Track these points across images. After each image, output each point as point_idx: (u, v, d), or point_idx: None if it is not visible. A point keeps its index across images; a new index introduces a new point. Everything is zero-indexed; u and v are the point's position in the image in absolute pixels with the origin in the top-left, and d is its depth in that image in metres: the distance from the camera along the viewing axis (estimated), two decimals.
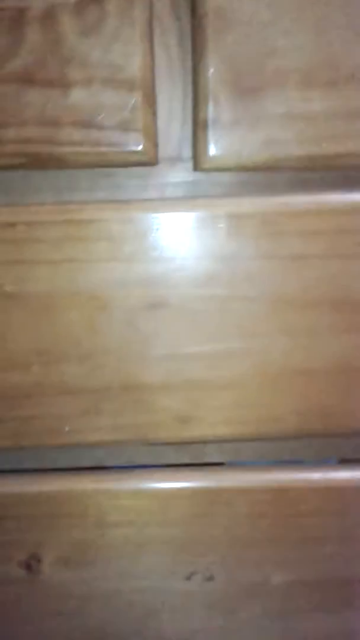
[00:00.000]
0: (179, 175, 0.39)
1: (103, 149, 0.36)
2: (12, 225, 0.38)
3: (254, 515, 0.44)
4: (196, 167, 0.37)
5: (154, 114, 0.36)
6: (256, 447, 0.45)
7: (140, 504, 0.43)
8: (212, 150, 0.37)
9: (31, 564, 0.44)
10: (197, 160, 0.37)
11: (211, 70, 0.35)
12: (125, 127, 0.36)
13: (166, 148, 0.38)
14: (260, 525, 0.44)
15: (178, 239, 0.38)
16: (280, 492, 0.43)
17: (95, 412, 0.41)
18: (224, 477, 0.43)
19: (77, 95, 0.35)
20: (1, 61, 0.35)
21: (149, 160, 0.37)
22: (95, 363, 0.40)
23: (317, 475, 0.43)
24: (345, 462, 0.45)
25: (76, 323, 0.39)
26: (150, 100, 0.36)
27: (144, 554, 0.44)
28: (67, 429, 0.41)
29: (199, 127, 0.36)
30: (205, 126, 0.36)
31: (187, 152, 0.38)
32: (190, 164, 0.38)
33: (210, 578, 0.45)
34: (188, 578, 0.45)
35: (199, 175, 0.39)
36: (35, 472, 0.43)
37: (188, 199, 0.38)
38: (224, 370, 0.40)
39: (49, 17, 0.34)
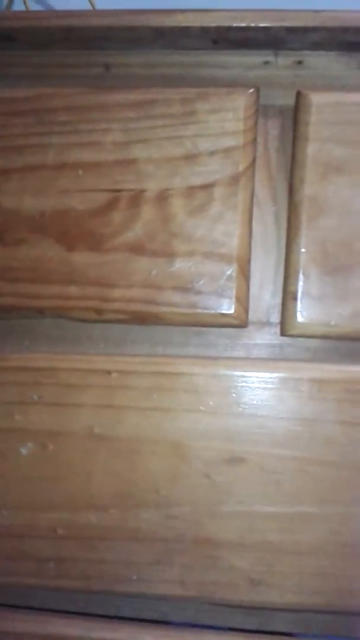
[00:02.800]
0: (266, 338, 0.41)
1: (198, 310, 0.40)
2: (108, 372, 0.41)
3: None
4: (283, 332, 0.40)
5: (247, 282, 0.40)
6: (328, 621, 0.42)
7: None
8: (300, 318, 0.39)
9: None
10: (285, 326, 0.40)
11: (303, 250, 0.39)
12: (220, 293, 0.39)
13: (256, 313, 0.41)
14: None
15: (261, 398, 0.40)
16: None
17: (165, 563, 0.41)
18: None
19: (180, 265, 0.40)
20: (117, 232, 0.40)
21: (240, 323, 0.40)
22: (171, 512, 0.40)
23: None
24: None
25: (157, 470, 0.40)
26: (245, 272, 0.40)
27: None
28: (134, 577, 0.41)
29: (288, 297, 0.39)
30: (294, 297, 0.39)
31: (276, 317, 0.41)
32: (277, 329, 0.41)
33: None
34: None
35: (285, 340, 0.41)
36: (99, 618, 0.43)
37: (273, 360, 0.40)
38: (299, 534, 0.40)
39: (162, 198, 0.40)
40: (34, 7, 0.72)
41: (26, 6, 0.68)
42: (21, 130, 0.40)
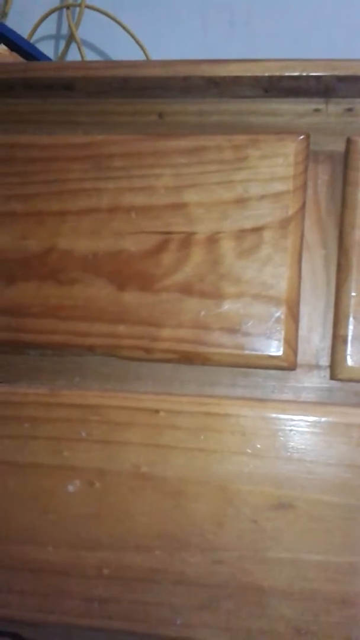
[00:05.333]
0: (315, 381, 0.41)
1: (246, 352, 0.40)
2: (156, 411, 0.41)
3: None
4: (333, 375, 0.39)
5: (296, 325, 0.40)
6: None
7: None
8: (350, 362, 0.39)
9: None
10: (334, 370, 0.39)
11: (353, 294, 0.38)
12: (268, 335, 0.40)
13: (305, 355, 0.41)
14: None
15: (309, 443, 0.39)
16: None
17: (210, 608, 0.40)
18: None
19: (229, 306, 0.40)
20: (168, 273, 0.41)
21: (288, 366, 0.40)
22: (216, 557, 0.40)
23: None
24: None
25: (202, 513, 0.40)
26: (294, 314, 0.40)
27: None
28: (179, 621, 0.40)
29: (338, 341, 0.39)
30: (344, 341, 0.39)
31: (325, 361, 0.40)
32: (327, 372, 0.40)
33: None
34: None
35: (335, 384, 0.40)
36: None
37: (322, 404, 0.40)
38: (347, 585, 0.39)
39: (212, 241, 0.40)
40: (89, 54, 0.75)
41: (81, 55, 0.72)
42: (78, 175, 0.42)
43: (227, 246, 0.40)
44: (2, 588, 0.42)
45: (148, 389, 0.43)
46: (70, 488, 0.42)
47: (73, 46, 0.76)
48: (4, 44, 0.61)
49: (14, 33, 0.62)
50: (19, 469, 0.42)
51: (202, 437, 0.40)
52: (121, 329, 0.42)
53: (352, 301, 0.38)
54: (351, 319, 0.38)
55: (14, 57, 0.62)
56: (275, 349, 0.40)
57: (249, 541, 0.39)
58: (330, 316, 0.40)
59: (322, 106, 0.40)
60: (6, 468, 0.43)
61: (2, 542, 0.42)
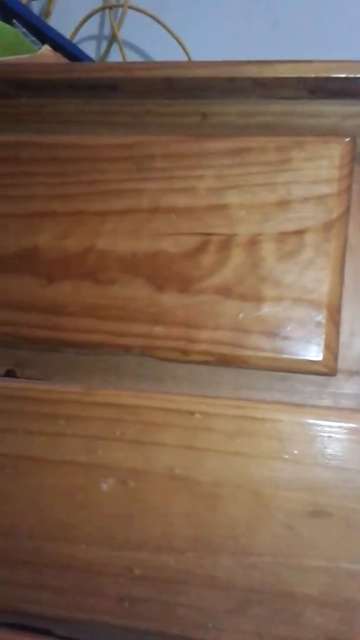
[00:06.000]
0: (355, 387, 0.40)
1: (285, 356, 0.39)
2: (191, 413, 0.41)
3: None
4: None
5: (337, 330, 0.39)
6: None
7: None
8: None
9: None
10: None
11: None
12: (308, 339, 0.39)
13: (345, 361, 0.40)
14: None
15: (348, 450, 0.38)
16: None
17: (241, 613, 0.40)
18: None
19: (268, 309, 0.40)
20: (206, 275, 0.41)
21: (328, 371, 0.39)
22: (249, 562, 0.39)
23: None
24: None
25: (236, 517, 0.40)
26: (335, 319, 0.39)
27: None
28: (210, 624, 0.40)
29: None
30: None
31: None
32: None
33: None
34: None
35: None
36: None
37: None
38: None
39: (253, 243, 0.40)
40: (131, 55, 0.76)
41: (123, 55, 0.72)
42: (120, 175, 0.42)
43: (268, 249, 0.40)
44: (35, 584, 0.43)
45: (184, 390, 0.43)
46: (104, 487, 0.42)
47: (115, 47, 0.76)
48: (48, 44, 0.62)
49: (57, 33, 0.63)
50: (54, 466, 0.43)
51: (237, 440, 0.40)
52: (158, 329, 0.42)
53: None
54: None
55: (57, 57, 0.63)
56: (315, 353, 0.39)
57: (283, 547, 0.39)
58: None
59: None
60: (42, 465, 0.43)
61: (35, 538, 0.43)
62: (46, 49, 0.62)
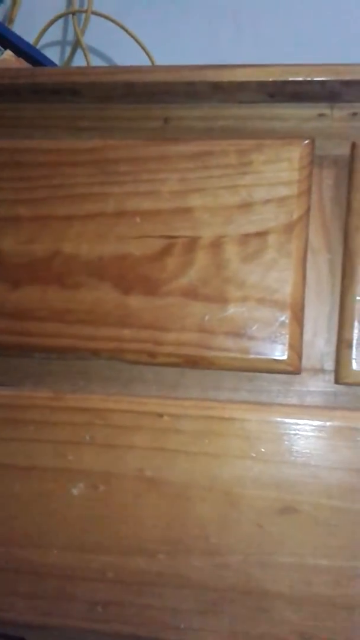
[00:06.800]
0: (320, 385, 0.41)
1: (251, 356, 0.40)
2: (160, 415, 0.41)
3: None
4: (338, 379, 0.39)
5: (301, 329, 0.40)
6: None
7: None
8: (355, 366, 0.39)
9: None
10: (339, 374, 0.39)
11: (358, 298, 0.38)
12: (273, 339, 0.40)
13: (310, 359, 0.41)
14: None
15: (314, 447, 0.39)
16: None
17: (214, 613, 0.40)
18: None
19: (233, 310, 0.40)
20: (172, 278, 0.41)
21: (293, 370, 0.40)
22: (220, 561, 0.40)
23: None
24: None
25: (206, 517, 0.40)
26: (299, 318, 0.40)
27: None
28: (182, 625, 0.40)
29: (342, 345, 0.39)
30: (349, 345, 0.39)
31: (330, 365, 0.40)
32: (331, 377, 0.40)
33: None
34: None
35: (340, 388, 0.40)
36: None
37: (328, 408, 0.40)
38: (352, 589, 0.38)
39: (216, 245, 0.40)
40: (95, 60, 0.76)
41: (87, 61, 0.72)
42: (84, 179, 0.42)
43: (232, 250, 0.40)
44: (7, 591, 0.42)
45: (152, 393, 0.43)
46: (75, 491, 0.42)
47: (79, 52, 0.76)
48: (10, 49, 0.62)
49: (20, 39, 0.62)
50: (24, 471, 0.42)
51: (206, 441, 0.40)
52: (126, 332, 0.42)
53: (357, 305, 0.38)
54: (356, 323, 0.38)
55: (20, 63, 0.62)
56: (279, 353, 0.40)
57: (254, 545, 0.39)
58: (335, 320, 0.40)
59: (326, 111, 0.40)
60: (11, 471, 0.43)
61: (6, 544, 0.42)
62: (8, 54, 0.62)
